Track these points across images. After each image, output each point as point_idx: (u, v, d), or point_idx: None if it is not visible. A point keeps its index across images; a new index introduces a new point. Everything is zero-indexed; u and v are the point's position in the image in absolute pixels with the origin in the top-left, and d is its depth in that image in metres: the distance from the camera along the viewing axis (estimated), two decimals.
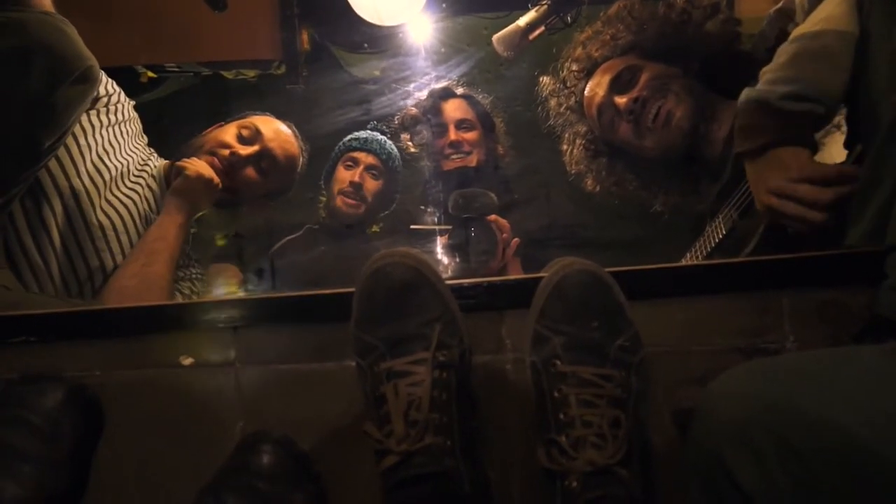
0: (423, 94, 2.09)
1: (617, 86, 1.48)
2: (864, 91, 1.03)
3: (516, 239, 1.64)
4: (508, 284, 0.95)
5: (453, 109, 1.95)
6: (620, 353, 0.83)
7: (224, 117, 1.71)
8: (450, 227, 1.66)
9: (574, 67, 1.59)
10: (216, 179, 1.52)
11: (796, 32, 1.15)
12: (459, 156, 1.88)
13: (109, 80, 1.48)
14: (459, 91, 2.03)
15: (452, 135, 1.90)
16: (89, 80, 1.25)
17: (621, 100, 1.46)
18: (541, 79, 1.71)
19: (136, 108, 1.60)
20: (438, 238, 1.66)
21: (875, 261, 0.90)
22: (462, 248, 1.64)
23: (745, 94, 1.12)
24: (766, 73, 1.12)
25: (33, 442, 0.83)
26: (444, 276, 1.18)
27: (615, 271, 0.88)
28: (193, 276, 1.59)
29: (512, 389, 0.93)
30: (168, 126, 2.25)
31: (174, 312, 0.97)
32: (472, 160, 1.89)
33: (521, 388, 0.90)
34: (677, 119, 1.41)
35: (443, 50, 2.43)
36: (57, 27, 1.18)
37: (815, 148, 1.11)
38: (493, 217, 1.63)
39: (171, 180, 1.52)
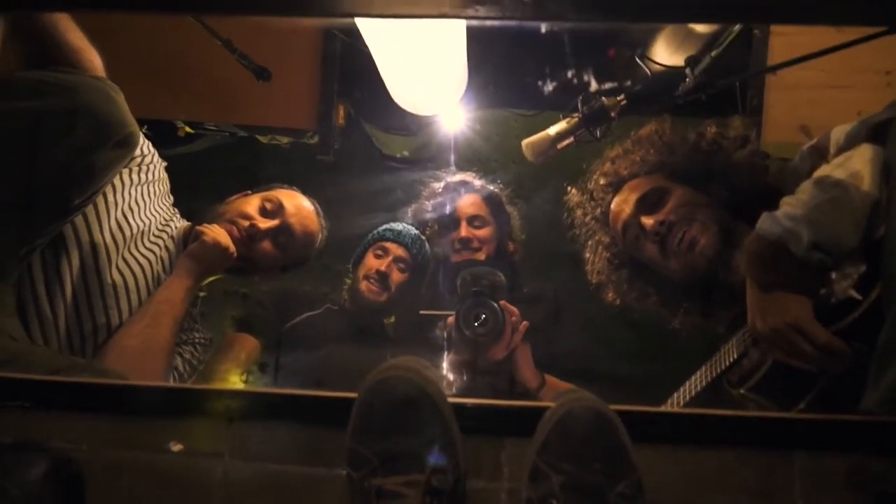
0: (446, 181, 2.10)
1: (643, 206, 1.49)
2: (885, 254, 1.03)
3: (525, 322, 1.62)
4: (513, 410, 0.94)
5: (467, 204, 1.97)
6: (621, 500, 0.81)
7: (253, 177, 1.72)
8: (458, 306, 1.64)
9: (602, 181, 1.61)
10: (232, 248, 1.53)
11: (821, 172, 1.17)
12: (468, 252, 1.89)
13: (146, 140, 1.50)
14: (477, 183, 2.04)
15: (463, 231, 1.91)
16: (129, 145, 1.28)
17: (648, 220, 1.47)
18: (568, 189, 1.73)
19: (170, 158, 1.63)
20: (446, 355, 1.64)
21: (893, 431, 0.87)
22: (471, 346, 1.61)
23: (767, 224, 1.13)
24: (787, 205, 1.14)
25: None
26: (448, 376, 1.15)
27: (622, 410, 0.86)
28: (196, 340, 1.57)
29: None
30: (199, 180, 2.31)
31: (170, 396, 0.96)
32: (481, 256, 1.90)
33: None
34: (701, 247, 1.41)
35: (471, 138, 2.49)
36: (106, 93, 1.22)
37: (817, 297, 1.14)
38: (501, 301, 1.62)
39: (188, 243, 1.53)
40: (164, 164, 1.60)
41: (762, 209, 1.19)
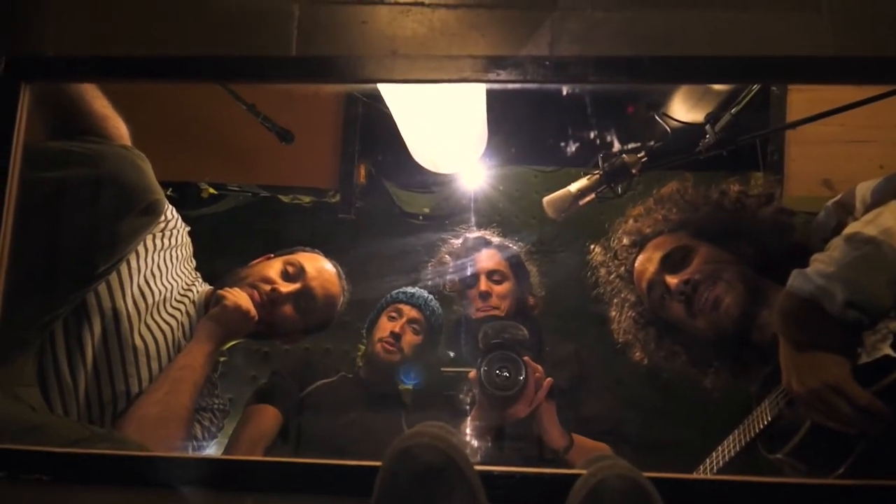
0: (465, 238, 2.10)
1: (668, 264, 1.47)
2: None
3: (549, 379, 1.58)
4: (542, 478, 0.90)
5: (486, 259, 1.97)
6: None
7: (275, 236, 1.72)
8: (479, 360, 1.60)
9: (625, 240, 1.59)
10: (253, 312, 1.52)
11: (852, 229, 1.15)
12: (487, 309, 1.89)
13: (170, 206, 1.51)
14: (496, 240, 2.05)
15: (483, 286, 1.92)
16: (154, 213, 1.29)
17: (672, 280, 1.45)
18: (591, 247, 1.71)
19: (194, 219, 1.63)
20: (468, 418, 1.60)
21: None
22: (494, 401, 1.57)
23: (799, 282, 1.11)
24: (818, 262, 1.12)
25: None
26: (472, 442, 1.12)
27: (656, 477, 0.82)
28: (215, 406, 1.55)
29: None
30: (221, 240, 2.33)
31: (190, 467, 0.93)
32: (500, 312, 1.89)
33: None
34: (726, 305, 1.39)
35: (491, 195, 2.50)
36: (132, 161, 1.24)
37: (853, 357, 1.10)
38: (525, 357, 1.59)
39: (209, 308, 1.52)
40: (188, 228, 1.61)
41: (789, 266, 1.17)
